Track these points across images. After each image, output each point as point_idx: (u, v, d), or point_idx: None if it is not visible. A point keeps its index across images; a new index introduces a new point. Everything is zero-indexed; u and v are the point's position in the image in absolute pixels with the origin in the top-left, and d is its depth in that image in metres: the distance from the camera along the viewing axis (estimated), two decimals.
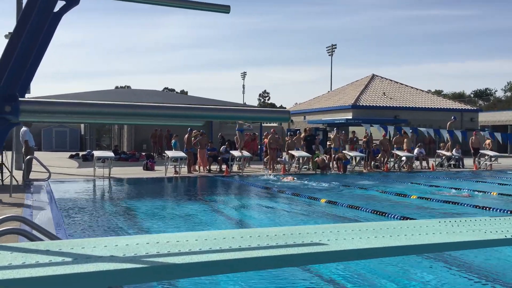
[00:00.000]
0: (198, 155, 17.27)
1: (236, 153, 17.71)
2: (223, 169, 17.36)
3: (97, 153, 16.72)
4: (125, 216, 8.30)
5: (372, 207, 8.93)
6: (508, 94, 72.03)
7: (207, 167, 17.62)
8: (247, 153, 18.32)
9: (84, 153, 24.96)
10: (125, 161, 22.47)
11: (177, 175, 15.99)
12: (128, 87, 67.93)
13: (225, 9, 2.23)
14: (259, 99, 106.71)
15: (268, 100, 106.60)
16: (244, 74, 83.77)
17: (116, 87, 70.15)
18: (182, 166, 16.62)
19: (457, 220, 2.35)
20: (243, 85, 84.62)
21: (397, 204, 9.97)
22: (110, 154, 16.71)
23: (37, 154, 12.47)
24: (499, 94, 76.15)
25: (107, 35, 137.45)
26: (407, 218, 7.72)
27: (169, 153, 16.68)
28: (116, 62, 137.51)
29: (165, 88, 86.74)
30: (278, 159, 18.88)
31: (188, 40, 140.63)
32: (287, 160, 18.93)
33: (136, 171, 17.09)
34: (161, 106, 1.46)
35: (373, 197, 11.22)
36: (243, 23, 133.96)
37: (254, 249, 1.76)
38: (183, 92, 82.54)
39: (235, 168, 18.05)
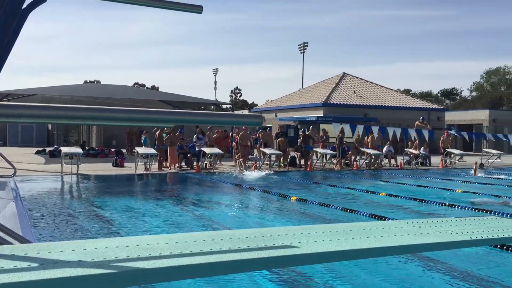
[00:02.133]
0: (168, 152, 17.13)
1: (207, 150, 17.64)
2: (194, 166, 17.28)
3: (64, 149, 16.38)
4: (94, 215, 8.16)
5: (342, 205, 9.05)
6: (474, 94, 74.05)
7: (178, 164, 17.50)
8: (218, 150, 18.27)
9: (51, 149, 24.41)
10: (93, 158, 22.10)
11: (148, 172, 15.83)
12: (98, 81, 66.77)
13: (198, 9, 2.21)
14: (231, 96, 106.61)
15: (240, 96, 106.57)
16: (216, 71, 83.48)
17: (85, 82, 68.83)
18: (153, 163, 16.46)
19: (425, 221, 2.39)
20: (215, 82, 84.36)
21: (367, 202, 10.12)
22: (78, 150, 16.39)
23: (1, 149, 12.12)
24: (465, 93, 78.25)
25: (77, 30, 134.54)
26: (376, 216, 7.86)
27: (139, 150, 16.49)
28: (85, 56, 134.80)
29: (136, 84, 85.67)
30: (250, 156, 18.91)
31: (159, 36, 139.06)
32: (258, 157, 18.98)
33: (105, 168, 16.83)
34: (133, 110, 1.43)
35: (343, 194, 11.36)
36: (216, 20, 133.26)
37: (225, 253, 1.76)
38: (154, 88, 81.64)
39: (206, 165, 17.98)
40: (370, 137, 20.12)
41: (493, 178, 15.79)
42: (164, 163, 17.20)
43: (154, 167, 16.64)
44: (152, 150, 16.44)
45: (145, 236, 1.98)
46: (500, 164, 22.23)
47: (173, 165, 17.20)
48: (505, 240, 2.14)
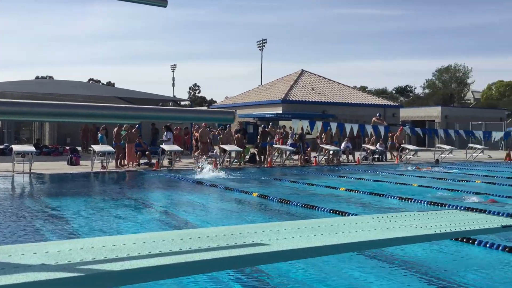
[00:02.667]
0: (126, 150, 16.79)
1: (166, 147, 17.40)
2: (153, 164, 17.04)
3: (16, 147, 15.75)
4: (50, 216, 7.88)
5: (303, 201, 9.13)
6: (426, 91, 76.47)
7: (136, 162, 17.20)
8: (178, 147, 18.06)
9: (1, 147, 23.41)
10: (47, 156, 21.39)
11: (105, 170, 15.46)
12: (51, 77, 64.59)
13: (162, 2, 2.15)
14: (189, 92, 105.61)
15: (198, 93, 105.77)
16: (174, 67, 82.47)
17: (37, 77, 66.46)
18: (110, 160, 16.09)
19: (389, 215, 2.44)
20: (173, 78, 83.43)
21: (328, 197, 10.26)
22: (30, 148, 15.80)
23: None
24: (418, 91, 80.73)
25: (28, 23, 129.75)
26: (337, 211, 7.98)
27: (96, 147, 16.08)
28: (37, 51, 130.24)
29: (90, 79, 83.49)
30: (210, 153, 18.80)
31: (114, 30, 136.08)
32: (218, 154, 18.90)
33: (59, 166, 16.32)
34: (97, 106, 1.38)
35: (304, 190, 11.47)
36: (173, 15, 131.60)
37: (195, 252, 1.72)
38: (109, 84, 79.80)
39: (165, 162, 17.75)
40: (326, 133, 20.44)
41: (446, 172, 16.37)
42: (122, 161, 16.86)
43: (111, 165, 16.28)
44: (109, 148, 16.06)
45: (111, 237, 1.92)
46: (452, 159, 23.06)
47: (131, 162, 16.88)
48: (468, 233, 2.21)
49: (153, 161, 17.42)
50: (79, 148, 23.39)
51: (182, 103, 33.98)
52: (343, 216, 6.93)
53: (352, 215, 7.59)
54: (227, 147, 18.40)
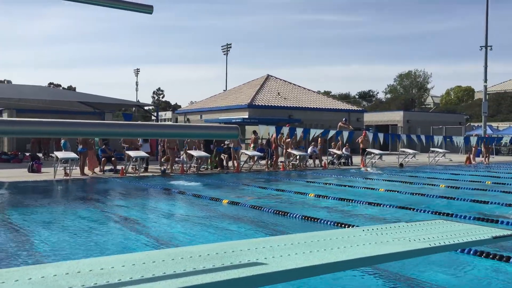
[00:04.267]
0: (88, 156, 16.37)
1: (132, 153, 17.04)
2: (118, 170, 16.66)
3: None
4: (11, 229, 7.51)
5: (273, 207, 9.09)
6: (388, 96, 78.18)
7: (100, 169, 16.79)
8: (144, 153, 17.72)
9: None
10: (6, 163, 20.61)
11: (68, 178, 14.99)
12: (9, 81, 62.48)
13: (148, 9, 2.05)
14: (153, 97, 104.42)
15: (162, 98, 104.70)
16: (137, 71, 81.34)
17: None
18: (74, 167, 15.63)
19: (379, 227, 2.40)
20: (137, 82, 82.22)
21: (297, 203, 10.25)
22: None
23: None
24: (381, 96, 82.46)
25: None
26: (308, 218, 7.96)
27: (59, 154, 15.58)
28: None
29: (51, 84, 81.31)
30: (176, 159, 18.57)
31: (75, 33, 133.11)
32: (185, 160, 18.68)
33: (20, 174, 15.73)
34: (82, 123, 1.26)
35: (273, 196, 11.43)
36: (136, 18, 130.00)
37: (191, 275, 1.62)
38: (70, 88, 77.90)
39: (130, 169, 17.39)
40: (293, 138, 20.52)
41: (412, 176, 16.70)
42: (88, 168, 16.43)
43: (76, 172, 15.82)
44: (72, 154, 15.59)
45: (97, 259, 1.79)
46: (416, 163, 23.59)
47: (93, 169, 16.45)
48: (461, 246, 2.20)
49: (119, 167, 17.04)
50: (40, 155, 22.65)
51: (146, 108, 33.40)
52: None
53: (325, 221, 7.60)
54: (194, 152, 18.19)
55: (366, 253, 1.88)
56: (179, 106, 77.36)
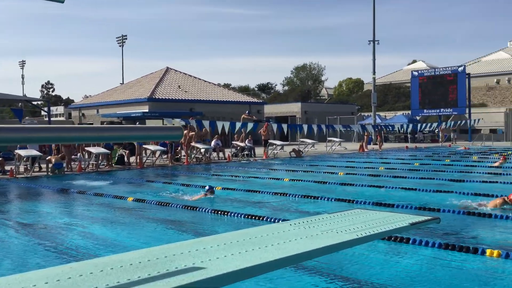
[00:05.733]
0: None
1: (23, 152, 15.78)
2: (7, 171, 15.36)
3: None
4: None
5: (181, 202, 8.95)
6: (286, 88, 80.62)
7: None
8: (36, 151, 16.49)
9: None
10: None
11: None
12: None
13: None
14: (42, 91, 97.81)
15: (52, 92, 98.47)
16: (23, 63, 75.53)
17: None
18: None
19: (305, 220, 2.43)
20: (22, 75, 76.43)
21: (204, 196, 10.17)
22: None
23: None
24: (279, 88, 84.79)
25: None
26: (218, 211, 7.95)
27: None
28: None
29: None
30: (73, 156, 17.55)
31: None
32: (82, 157, 17.72)
33: None
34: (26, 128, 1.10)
35: (179, 191, 11.24)
36: (20, 6, 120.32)
37: (128, 287, 1.50)
38: None
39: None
40: (197, 132, 20.39)
41: (313, 165, 17.38)
42: None
43: None
44: None
45: (15, 276, 1.60)
46: (315, 152, 24.62)
47: None
48: (386, 234, 2.30)
49: (8, 168, 15.70)
50: None
51: (35, 102, 31.06)
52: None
53: (235, 214, 7.62)
54: (93, 149, 17.32)
55: (300, 249, 1.88)
56: (72, 101, 73.19)
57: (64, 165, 16.82)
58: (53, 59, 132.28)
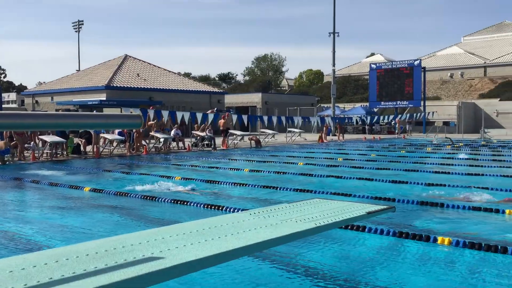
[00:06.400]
0: None
1: None
2: None
3: None
4: None
5: (141, 192, 8.83)
6: (247, 78, 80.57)
7: None
8: None
9: None
10: None
11: None
12: None
13: None
14: None
15: (4, 78, 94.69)
16: None
17: None
18: None
19: (265, 210, 2.45)
20: None
21: (164, 186, 10.06)
22: None
23: None
24: (239, 78, 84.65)
25: None
26: (178, 201, 7.89)
27: None
28: None
29: None
30: (26, 145, 16.97)
31: None
32: (36, 146, 17.16)
33: None
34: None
35: (138, 181, 11.08)
36: None
37: (84, 278, 1.47)
38: None
39: None
40: (156, 121, 20.14)
41: (272, 156, 17.50)
42: None
43: None
44: None
45: None
46: (275, 142, 24.78)
47: None
48: (343, 223, 2.34)
49: None
50: None
51: None
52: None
53: (195, 204, 7.58)
54: (47, 138, 16.80)
55: (260, 238, 1.89)
56: (25, 87, 70.61)
57: (16, 154, 16.25)
58: (5, 43, 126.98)
